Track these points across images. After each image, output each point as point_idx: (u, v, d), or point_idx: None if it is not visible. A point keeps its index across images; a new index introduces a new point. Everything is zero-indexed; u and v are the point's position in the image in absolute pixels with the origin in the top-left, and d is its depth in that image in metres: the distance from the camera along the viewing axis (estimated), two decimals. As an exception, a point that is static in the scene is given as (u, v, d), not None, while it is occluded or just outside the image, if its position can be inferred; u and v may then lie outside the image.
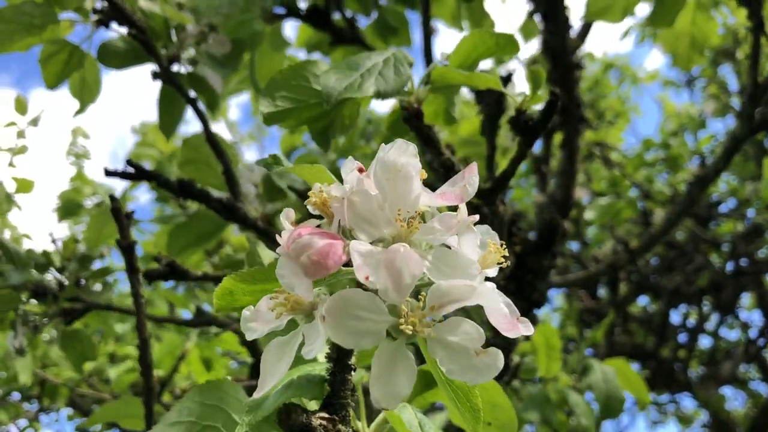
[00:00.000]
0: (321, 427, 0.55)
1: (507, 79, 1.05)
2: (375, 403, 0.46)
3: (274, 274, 0.51)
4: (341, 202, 0.48)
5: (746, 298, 4.46)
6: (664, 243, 3.81)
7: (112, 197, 0.84)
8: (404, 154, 0.48)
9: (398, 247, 0.44)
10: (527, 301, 1.00)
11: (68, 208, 2.65)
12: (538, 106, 0.81)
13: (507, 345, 1.02)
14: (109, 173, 1.05)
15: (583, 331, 3.57)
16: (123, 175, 1.05)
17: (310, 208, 0.51)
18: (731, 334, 4.69)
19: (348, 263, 0.48)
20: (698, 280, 3.74)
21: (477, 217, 0.48)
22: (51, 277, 1.32)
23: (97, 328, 2.34)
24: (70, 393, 2.55)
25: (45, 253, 1.31)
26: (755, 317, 4.49)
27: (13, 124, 2.25)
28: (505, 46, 0.85)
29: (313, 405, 0.63)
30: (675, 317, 4.31)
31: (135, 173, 1.04)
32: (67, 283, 1.29)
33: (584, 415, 1.56)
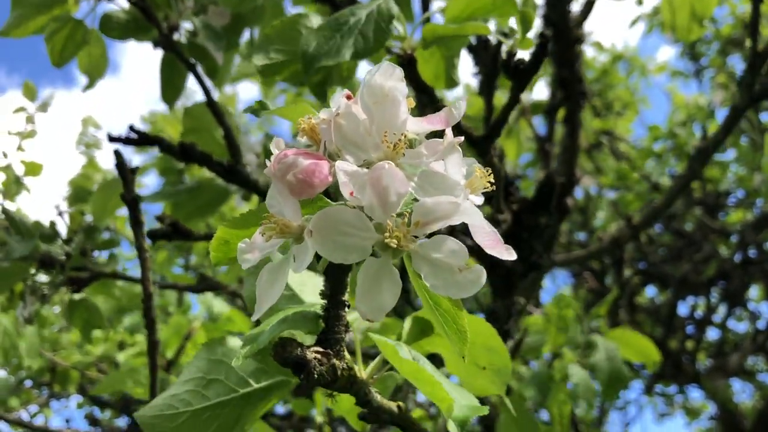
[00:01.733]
0: (315, 360, 0.56)
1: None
2: (361, 317, 0.47)
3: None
4: (328, 124, 0.48)
5: (754, 290, 4.43)
6: (673, 232, 3.79)
7: (116, 152, 0.86)
8: (391, 78, 0.49)
9: (383, 165, 0.45)
10: (525, 263, 1.00)
11: (79, 195, 2.68)
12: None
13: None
14: (112, 139, 1.07)
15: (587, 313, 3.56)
16: (126, 141, 1.07)
17: (299, 135, 0.52)
18: (739, 326, 4.67)
19: (335, 189, 0.49)
20: (706, 270, 3.72)
21: (462, 138, 0.49)
22: (58, 248, 1.34)
23: (108, 316, 2.36)
24: (80, 378, 2.58)
25: (52, 225, 1.33)
26: (763, 308, 4.46)
27: (22, 109, 2.27)
28: (503, 6, 0.86)
29: (308, 340, 0.64)
30: (683, 309, 4.29)
31: (138, 138, 1.05)
32: (73, 253, 1.31)
33: (585, 391, 1.55)
